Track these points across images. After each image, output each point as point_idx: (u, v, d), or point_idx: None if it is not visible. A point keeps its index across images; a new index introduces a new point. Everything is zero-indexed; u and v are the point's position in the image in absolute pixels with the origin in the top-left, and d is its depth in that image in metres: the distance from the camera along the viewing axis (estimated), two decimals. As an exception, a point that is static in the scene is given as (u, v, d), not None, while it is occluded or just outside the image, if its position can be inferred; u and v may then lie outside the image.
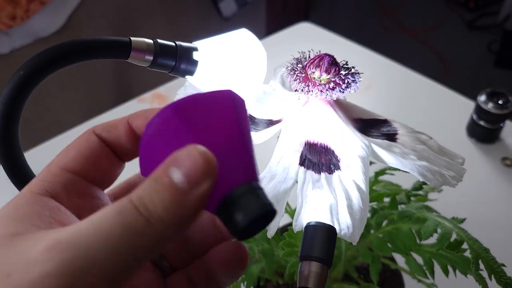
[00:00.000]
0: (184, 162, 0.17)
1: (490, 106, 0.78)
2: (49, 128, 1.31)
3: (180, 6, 1.58)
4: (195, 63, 0.27)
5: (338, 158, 0.28)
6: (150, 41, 0.25)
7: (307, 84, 0.29)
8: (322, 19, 2.31)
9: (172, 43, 0.26)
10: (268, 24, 1.94)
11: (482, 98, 0.80)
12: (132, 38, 0.24)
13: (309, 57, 0.31)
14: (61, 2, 1.27)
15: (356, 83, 0.30)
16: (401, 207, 0.44)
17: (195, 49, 0.27)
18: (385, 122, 0.32)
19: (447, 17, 2.41)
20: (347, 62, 0.31)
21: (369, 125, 0.31)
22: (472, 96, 0.93)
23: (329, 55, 0.30)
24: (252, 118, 0.32)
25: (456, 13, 2.41)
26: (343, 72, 0.29)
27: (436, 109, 0.91)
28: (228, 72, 0.27)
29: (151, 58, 0.25)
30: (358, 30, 2.29)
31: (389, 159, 0.27)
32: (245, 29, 0.28)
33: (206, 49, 0.27)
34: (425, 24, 2.35)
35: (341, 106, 0.31)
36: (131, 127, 0.22)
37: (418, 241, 0.37)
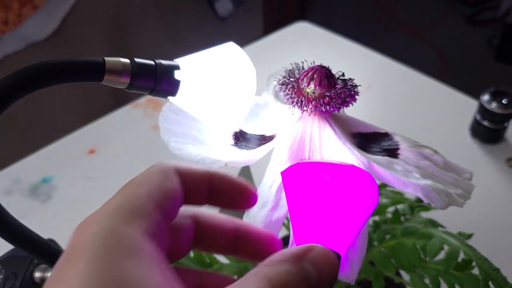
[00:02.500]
0: (320, 262, 0.19)
1: (493, 105, 0.76)
2: (46, 133, 1.29)
3: (175, 7, 1.56)
4: (177, 83, 0.24)
5: (335, 179, 0.26)
6: (126, 60, 0.23)
7: (300, 99, 0.27)
8: (320, 17, 2.29)
9: (151, 62, 0.24)
10: (265, 22, 1.92)
11: (485, 97, 0.78)
12: (106, 58, 0.22)
13: (302, 68, 0.28)
14: (54, 5, 1.25)
15: (354, 97, 0.27)
16: (405, 217, 0.42)
17: (177, 67, 0.24)
18: (385, 135, 0.30)
19: (446, 12, 2.38)
20: (343, 73, 0.29)
21: (368, 140, 0.29)
22: (473, 92, 0.91)
23: (324, 67, 0.27)
24: (243, 134, 0.30)
25: (456, 8, 2.39)
26: (338, 86, 0.27)
27: (438, 109, 0.89)
28: (214, 91, 0.25)
29: (128, 79, 0.23)
30: (356, 28, 2.27)
31: (390, 178, 0.25)
32: (232, 42, 0.26)
33: (188, 66, 0.25)
34: (424, 20, 2.33)
35: (338, 120, 0.29)
36: (213, 193, 0.22)
37: (423, 257, 0.35)
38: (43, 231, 0.71)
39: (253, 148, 0.29)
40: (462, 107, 0.88)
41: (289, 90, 0.27)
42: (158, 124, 0.28)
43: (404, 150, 0.28)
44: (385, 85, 0.95)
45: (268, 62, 1.03)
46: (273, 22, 1.94)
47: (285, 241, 0.34)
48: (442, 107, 0.89)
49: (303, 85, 0.27)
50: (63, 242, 0.32)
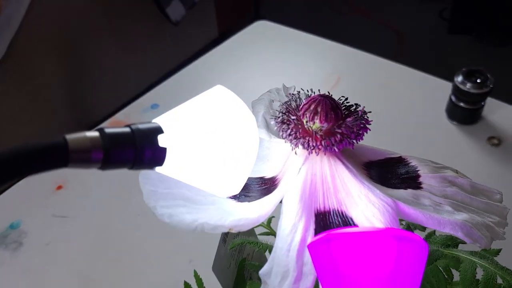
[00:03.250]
0: None
1: (469, 86, 0.75)
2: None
3: (125, 18, 1.49)
4: (162, 150, 0.20)
5: (360, 228, 0.22)
6: (94, 133, 0.18)
7: (306, 140, 0.23)
8: (273, 11, 2.26)
9: (126, 129, 0.19)
10: (219, 21, 1.87)
11: (459, 78, 0.76)
12: (68, 137, 0.18)
13: (299, 97, 0.25)
14: (-3, 32, 1.17)
15: (366, 128, 0.24)
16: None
17: (159, 130, 0.20)
18: (399, 161, 0.27)
19: (396, -10, 2.40)
20: (346, 98, 0.25)
21: (383, 170, 0.26)
22: (431, 67, 0.91)
23: (327, 97, 0.24)
24: (239, 180, 0.26)
25: (405, -16, 2.40)
26: (349, 119, 0.23)
27: (411, 95, 0.87)
28: (209, 153, 0.21)
29: (100, 156, 0.18)
30: (310, 16, 2.25)
31: (422, 218, 0.22)
32: (220, 85, 0.22)
33: (173, 126, 0.20)
34: (376, 1, 2.34)
35: (347, 153, 0.25)
36: None
37: (446, 278, 0.32)
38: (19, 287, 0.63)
39: (255, 197, 0.25)
40: (435, 90, 0.86)
41: (291, 130, 0.23)
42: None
43: (426, 178, 0.25)
44: (355, 77, 0.93)
45: (234, 68, 0.98)
46: (227, 20, 1.89)
47: None
48: (416, 92, 0.88)
49: (306, 122, 0.23)
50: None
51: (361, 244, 0.16)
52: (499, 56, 1.89)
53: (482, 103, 0.78)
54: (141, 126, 0.20)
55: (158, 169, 0.20)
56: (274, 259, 0.22)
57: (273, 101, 0.31)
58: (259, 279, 0.44)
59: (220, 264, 0.37)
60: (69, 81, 1.40)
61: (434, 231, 0.36)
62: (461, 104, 0.78)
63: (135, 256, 0.67)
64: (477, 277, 0.29)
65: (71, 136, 0.18)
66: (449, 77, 0.88)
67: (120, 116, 0.91)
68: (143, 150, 0.19)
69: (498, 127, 0.79)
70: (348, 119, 0.23)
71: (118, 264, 0.66)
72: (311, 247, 0.18)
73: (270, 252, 0.33)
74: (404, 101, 0.86)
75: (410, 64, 0.92)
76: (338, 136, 0.23)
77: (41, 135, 1.31)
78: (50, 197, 0.77)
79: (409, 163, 0.26)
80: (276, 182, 0.25)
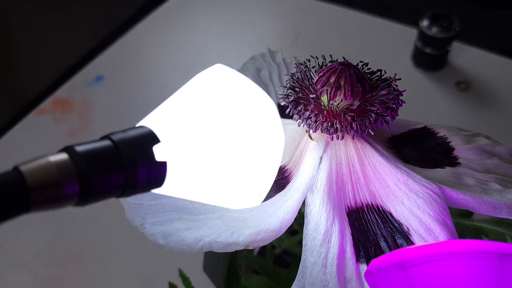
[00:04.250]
0: None
1: (435, 30, 0.72)
2: None
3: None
4: (161, 166, 0.14)
5: (404, 226, 0.18)
6: (62, 156, 0.12)
7: (331, 123, 0.18)
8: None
9: (105, 142, 0.13)
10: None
11: (424, 23, 0.73)
12: (23, 168, 0.11)
13: (306, 67, 0.20)
14: None
15: (400, 101, 0.19)
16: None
17: (153, 138, 0.14)
18: (426, 132, 0.22)
19: None
20: (366, 63, 0.20)
21: (412, 146, 0.22)
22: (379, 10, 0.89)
23: (348, 65, 0.19)
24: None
25: None
26: (383, 92, 0.19)
27: (375, 44, 0.84)
28: (223, 162, 0.15)
29: (76, 188, 0.12)
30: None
31: (474, 204, 0.18)
32: (219, 64, 0.16)
33: (170, 130, 0.14)
34: None
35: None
36: None
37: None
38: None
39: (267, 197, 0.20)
40: (399, 37, 0.83)
41: (311, 111, 0.18)
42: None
43: (461, 150, 0.21)
44: (314, 30, 0.88)
45: (182, 31, 0.90)
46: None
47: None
48: (379, 41, 0.84)
49: (329, 100, 0.18)
50: None
51: (452, 269, 0.12)
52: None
53: (448, 48, 0.76)
54: (125, 135, 0.13)
55: (155, 190, 0.15)
56: (305, 277, 0.17)
57: (260, 70, 0.26)
58: (248, 270, 0.40)
59: (210, 262, 0.32)
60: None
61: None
62: (427, 50, 0.75)
63: (99, 249, 0.61)
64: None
65: (27, 166, 0.11)
66: (394, 19, 0.85)
67: (61, 93, 0.82)
68: (135, 169, 0.13)
69: (465, 71, 0.78)
70: (382, 92, 0.19)
71: (81, 260, 0.60)
72: (375, 275, 0.13)
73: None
74: (368, 50, 0.82)
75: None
76: (373, 115, 0.18)
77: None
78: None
79: (437, 133, 0.22)
80: (287, 174, 0.21)
